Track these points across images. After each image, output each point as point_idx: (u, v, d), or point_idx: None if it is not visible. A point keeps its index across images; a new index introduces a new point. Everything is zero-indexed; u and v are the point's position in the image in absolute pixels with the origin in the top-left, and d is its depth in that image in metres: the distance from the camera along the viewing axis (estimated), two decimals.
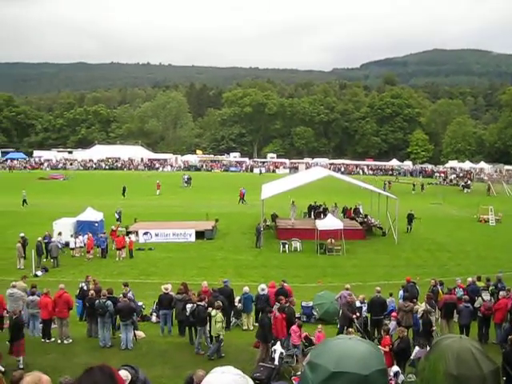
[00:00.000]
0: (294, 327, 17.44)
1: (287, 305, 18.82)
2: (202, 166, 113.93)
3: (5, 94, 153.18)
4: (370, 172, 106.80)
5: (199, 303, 18.72)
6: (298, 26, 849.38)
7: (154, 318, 22.65)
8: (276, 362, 15.84)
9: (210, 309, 18.41)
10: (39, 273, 30.71)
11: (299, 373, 14.17)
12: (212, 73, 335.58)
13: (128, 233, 37.73)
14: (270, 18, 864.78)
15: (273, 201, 42.90)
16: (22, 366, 15.90)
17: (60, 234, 34.94)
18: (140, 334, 19.78)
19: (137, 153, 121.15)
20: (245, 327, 21.46)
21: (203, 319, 18.42)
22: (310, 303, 22.60)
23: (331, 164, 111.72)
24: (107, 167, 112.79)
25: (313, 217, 46.59)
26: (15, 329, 17.05)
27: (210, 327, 18.24)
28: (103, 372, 3.38)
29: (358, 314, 19.46)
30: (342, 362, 4.60)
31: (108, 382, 3.35)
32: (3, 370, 15.03)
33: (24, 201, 55.86)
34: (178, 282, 23.70)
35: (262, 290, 22.00)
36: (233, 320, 21.72)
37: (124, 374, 5.39)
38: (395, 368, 14.77)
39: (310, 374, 5.10)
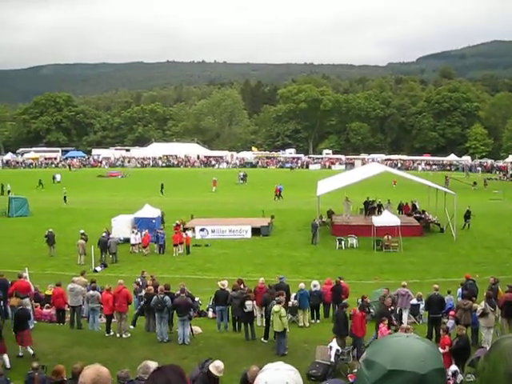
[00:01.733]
0: (383, 328, 17.06)
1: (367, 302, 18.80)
2: (258, 163, 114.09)
3: (64, 94, 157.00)
4: (428, 167, 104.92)
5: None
6: (352, 21, 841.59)
7: (210, 314, 22.89)
8: (332, 359, 15.77)
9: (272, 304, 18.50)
10: (98, 268, 31.45)
11: (355, 370, 14.08)
12: (267, 69, 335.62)
13: (185, 229, 38.15)
14: (324, 14, 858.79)
15: (329, 197, 42.67)
16: (32, 352, 16.21)
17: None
18: (197, 329, 19.97)
19: (193, 150, 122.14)
20: (300, 324, 21.46)
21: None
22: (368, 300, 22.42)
23: (387, 160, 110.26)
24: (164, 165, 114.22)
25: (368, 213, 46.05)
26: (19, 320, 17.46)
27: (273, 322, 18.24)
28: (174, 371, 3.43)
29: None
30: (398, 360, 4.51)
31: (180, 381, 3.40)
32: (9, 366, 15.33)
33: (64, 198, 57.31)
34: (234, 278, 23.87)
35: (315, 286, 22.01)
36: (289, 316, 21.72)
37: None
38: (454, 367, 14.48)
39: (366, 371, 5.03)
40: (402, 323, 19.55)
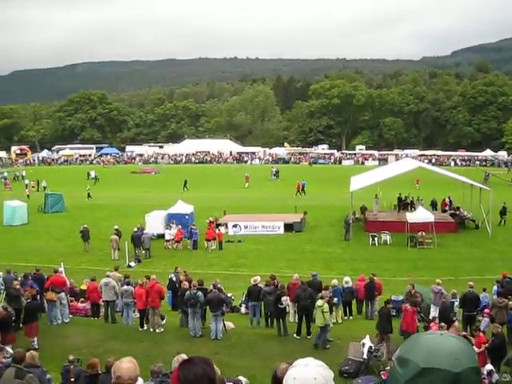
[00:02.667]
0: (434, 327, 16.68)
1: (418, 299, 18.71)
2: (290, 159, 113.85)
3: (99, 91, 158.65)
4: (463, 163, 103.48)
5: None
6: (385, 15, 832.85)
7: (243, 310, 22.96)
8: (365, 356, 15.69)
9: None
10: (132, 263, 31.77)
11: (388, 368, 13.98)
12: (298, 65, 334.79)
13: (218, 225, 38.31)
14: (356, 7, 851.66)
15: (362, 193, 42.41)
16: (36, 347, 16.36)
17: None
18: (229, 324, 20.05)
19: (225, 146, 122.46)
20: (333, 320, 21.36)
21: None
22: (401, 297, 22.20)
23: (421, 155, 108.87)
24: (197, 161, 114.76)
25: (401, 209, 45.65)
26: (28, 312, 17.74)
27: (315, 317, 18.26)
28: (206, 362, 3.45)
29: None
30: (432, 357, 4.48)
31: (212, 373, 3.42)
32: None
33: (88, 194, 58.04)
34: (266, 274, 23.86)
35: (346, 282, 21.95)
36: None
37: None
38: (489, 366, 14.26)
39: (400, 369, 5.01)
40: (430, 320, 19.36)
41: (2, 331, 15.54)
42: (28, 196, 56.41)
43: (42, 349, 16.14)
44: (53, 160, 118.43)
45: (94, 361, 11.56)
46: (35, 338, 17.47)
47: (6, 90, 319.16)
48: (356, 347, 16.49)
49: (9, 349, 15.02)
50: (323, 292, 18.73)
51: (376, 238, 36.51)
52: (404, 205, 45.39)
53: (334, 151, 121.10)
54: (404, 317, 17.34)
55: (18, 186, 70.36)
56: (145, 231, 34.64)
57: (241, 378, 11.56)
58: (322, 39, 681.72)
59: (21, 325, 17.92)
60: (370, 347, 15.95)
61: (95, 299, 21.64)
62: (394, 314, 21.14)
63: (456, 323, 17.10)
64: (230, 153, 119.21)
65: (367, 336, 16.43)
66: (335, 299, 20.88)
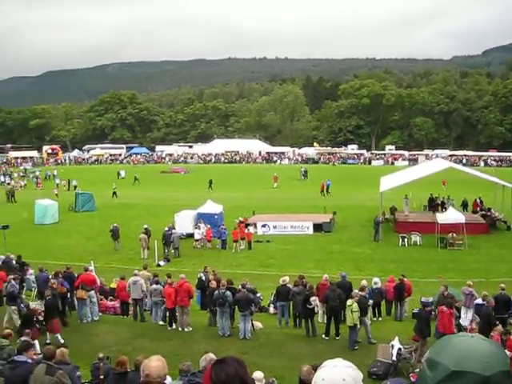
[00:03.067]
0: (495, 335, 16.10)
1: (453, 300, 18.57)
2: (320, 159, 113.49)
3: (129, 91, 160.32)
4: (494, 163, 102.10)
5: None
6: (415, 14, 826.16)
7: (271, 310, 22.94)
8: (394, 358, 15.57)
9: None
10: (161, 263, 31.94)
11: (417, 370, 13.85)
12: (328, 65, 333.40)
13: (247, 225, 38.34)
14: (385, 7, 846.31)
15: (391, 194, 42.07)
16: (62, 341, 16.51)
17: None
18: (258, 324, 20.05)
19: (255, 146, 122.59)
20: (369, 321, 21.15)
21: None
22: (430, 299, 21.93)
23: (452, 155, 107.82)
24: (226, 161, 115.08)
25: (431, 210, 45.19)
26: (48, 310, 18.01)
27: (345, 317, 18.22)
28: (239, 363, 3.45)
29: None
30: (462, 360, 4.41)
31: (244, 373, 3.42)
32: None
33: (114, 193, 58.60)
34: (295, 274, 23.81)
35: (375, 283, 21.79)
36: None
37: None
38: None
39: (429, 371, 4.94)
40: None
41: (27, 327, 15.75)
42: (56, 195, 57.02)
43: (72, 346, 16.29)
44: (83, 159, 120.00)
45: (123, 358, 11.64)
46: (58, 334, 17.73)
47: (39, 91, 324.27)
48: (385, 349, 16.37)
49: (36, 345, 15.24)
50: (355, 292, 18.63)
51: (406, 239, 36.18)
52: (434, 205, 44.94)
53: (364, 151, 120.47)
54: (440, 319, 17.11)
55: (49, 185, 71.28)
56: (174, 230, 34.82)
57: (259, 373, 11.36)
58: (352, 39, 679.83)
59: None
60: (399, 349, 15.82)
61: (124, 297, 21.82)
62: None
63: (499, 327, 16.82)
64: (259, 153, 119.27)
65: (396, 338, 16.30)
66: (370, 301, 20.69)
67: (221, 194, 56.28)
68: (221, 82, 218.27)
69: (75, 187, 64.32)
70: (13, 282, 19.92)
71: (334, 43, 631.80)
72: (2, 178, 78.35)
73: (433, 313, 19.06)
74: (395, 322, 21.41)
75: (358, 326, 17.86)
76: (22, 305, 19.07)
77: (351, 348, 17.48)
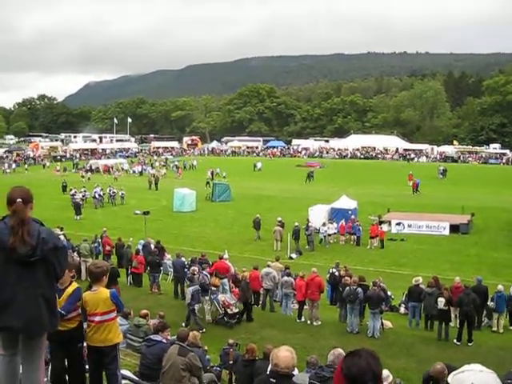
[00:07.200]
0: None
1: None
2: (459, 158, 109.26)
3: (267, 85, 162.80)
4: None
5: None
6: None
7: (402, 310, 22.48)
8: None
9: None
10: (294, 255, 32.19)
11: None
12: (472, 60, 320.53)
13: (381, 222, 37.75)
14: None
15: None
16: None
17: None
18: (387, 323, 19.72)
19: (391, 142, 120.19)
20: (494, 328, 20.15)
21: None
22: None
23: None
24: (362, 156, 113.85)
25: None
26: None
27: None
28: (372, 356, 3.37)
29: None
30: None
31: (378, 365, 3.34)
32: None
33: (207, 183, 59.59)
34: (428, 275, 23.21)
35: None
36: (484, 320, 20.57)
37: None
38: None
39: None
40: None
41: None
42: (208, 183, 59.48)
43: (204, 331, 16.90)
44: (221, 151, 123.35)
45: (252, 346, 11.84)
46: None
47: (181, 84, 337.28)
48: None
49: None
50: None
51: None
52: None
53: (507, 151, 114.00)
54: None
55: (188, 174, 73.95)
56: (310, 224, 34.75)
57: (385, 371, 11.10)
58: (497, 32, 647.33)
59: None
60: None
61: (256, 287, 22.17)
62: None
63: None
64: (396, 149, 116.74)
65: None
66: (491, 303, 19.74)
67: (356, 189, 55.69)
68: (359, 77, 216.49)
69: (224, 177, 68.12)
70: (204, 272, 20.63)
71: (478, 37, 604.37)
72: (145, 167, 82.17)
73: None
74: None
75: None
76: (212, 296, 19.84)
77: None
